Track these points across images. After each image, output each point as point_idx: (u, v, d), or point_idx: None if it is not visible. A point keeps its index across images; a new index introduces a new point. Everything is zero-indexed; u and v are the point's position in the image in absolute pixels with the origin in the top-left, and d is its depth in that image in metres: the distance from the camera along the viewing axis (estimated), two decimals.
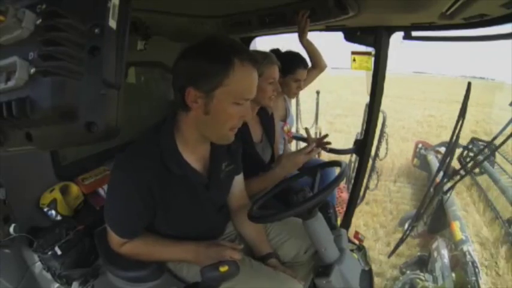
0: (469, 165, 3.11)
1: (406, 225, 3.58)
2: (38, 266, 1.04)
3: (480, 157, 3.16)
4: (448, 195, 2.93)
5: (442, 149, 4.94)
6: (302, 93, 1.98)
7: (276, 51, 1.59)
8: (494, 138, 2.83)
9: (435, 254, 2.81)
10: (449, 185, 2.35)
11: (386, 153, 3.17)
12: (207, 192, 0.91)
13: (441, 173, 2.39)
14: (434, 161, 4.88)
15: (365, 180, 2.60)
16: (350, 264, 0.93)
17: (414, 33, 1.22)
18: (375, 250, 3.35)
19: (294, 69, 1.60)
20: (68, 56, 0.35)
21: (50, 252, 1.00)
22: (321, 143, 1.44)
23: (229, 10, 1.41)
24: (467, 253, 2.61)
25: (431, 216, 3.56)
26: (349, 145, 1.59)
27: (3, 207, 0.88)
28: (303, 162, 1.17)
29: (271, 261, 0.99)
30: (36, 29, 0.36)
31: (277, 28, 1.48)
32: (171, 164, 0.80)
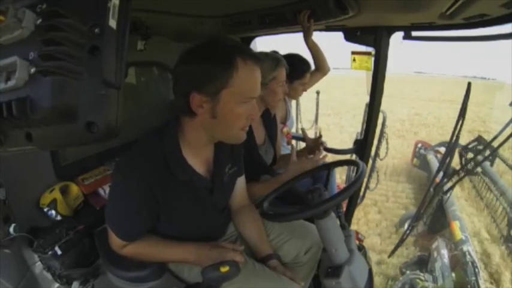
0: (469, 165, 3.10)
1: (406, 225, 3.58)
2: (38, 266, 1.04)
3: (480, 157, 3.16)
4: (448, 195, 2.93)
5: (442, 149, 4.94)
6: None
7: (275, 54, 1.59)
8: (494, 138, 2.82)
9: (435, 254, 2.81)
10: (449, 185, 2.35)
11: (386, 153, 3.17)
12: (211, 196, 0.91)
13: (441, 173, 2.39)
14: (434, 161, 4.88)
15: (365, 180, 2.60)
16: (359, 265, 0.91)
17: (414, 33, 1.22)
18: None
19: (301, 74, 1.61)
20: (68, 56, 0.35)
21: (50, 252, 1.00)
22: (318, 144, 1.45)
23: (229, 10, 1.41)
24: (467, 253, 2.61)
25: (431, 216, 3.57)
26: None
27: (3, 207, 0.88)
28: (309, 167, 1.16)
29: (272, 262, 0.99)
30: (36, 29, 0.36)
31: (277, 28, 1.48)
32: (175, 169, 0.80)
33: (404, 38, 1.25)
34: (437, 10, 0.88)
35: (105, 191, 1.34)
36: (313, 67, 1.72)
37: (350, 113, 11.36)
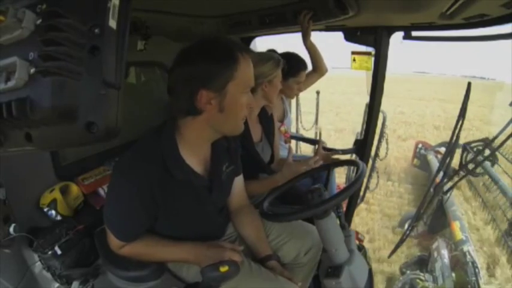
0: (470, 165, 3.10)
1: (406, 225, 3.58)
2: (38, 266, 1.04)
3: (480, 157, 3.16)
4: (448, 195, 2.93)
5: (442, 149, 4.94)
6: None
7: (273, 52, 1.59)
8: (494, 138, 2.83)
9: (435, 254, 2.81)
10: (449, 185, 2.35)
11: (386, 153, 3.17)
12: (209, 195, 0.91)
13: (441, 173, 2.39)
14: (434, 161, 4.88)
15: (365, 180, 2.60)
16: (359, 265, 0.92)
17: (414, 33, 1.22)
18: None
19: (297, 72, 1.61)
20: (68, 56, 0.35)
21: (50, 252, 1.00)
22: (329, 158, 1.41)
23: (229, 10, 1.41)
24: (467, 253, 2.61)
25: (431, 216, 3.57)
26: None
27: (3, 207, 0.88)
28: (303, 171, 1.16)
29: (271, 263, 0.99)
30: (36, 29, 0.36)
31: (277, 28, 1.48)
32: (173, 169, 0.80)
33: (404, 38, 1.25)
34: (437, 10, 0.88)
35: (105, 191, 1.34)
36: (310, 68, 1.73)
37: (333, 111, 11.71)
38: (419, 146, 5.56)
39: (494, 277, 3.03)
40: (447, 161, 2.22)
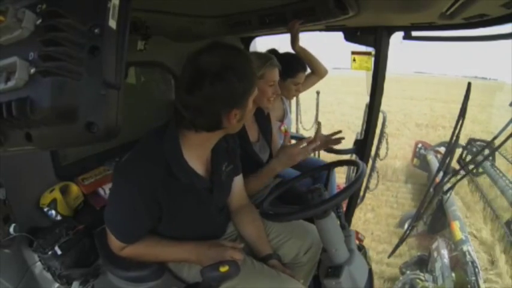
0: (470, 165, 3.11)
1: (406, 225, 3.58)
2: (38, 266, 1.04)
3: (480, 157, 3.16)
4: (448, 195, 2.93)
5: (442, 149, 4.94)
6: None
7: (273, 52, 1.59)
8: (494, 138, 2.83)
9: (435, 254, 2.81)
10: (449, 185, 2.35)
11: (386, 152, 3.17)
12: (211, 195, 0.91)
13: (441, 173, 2.39)
14: (434, 161, 4.88)
15: (365, 180, 2.60)
16: (359, 265, 0.92)
17: (414, 33, 1.22)
18: None
19: (294, 73, 1.60)
20: (68, 56, 0.35)
21: (50, 252, 1.00)
22: (331, 140, 1.43)
23: (229, 10, 1.41)
24: (467, 253, 2.61)
25: (431, 216, 3.57)
26: None
27: (3, 207, 0.88)
28: (300, 157, 1.13)
29: (271, 261, 0.99)
30: (36, 29, 0.36)
31: (277, 28, 1.47)
32: (178, 172, 0.81)
33: (404, 38, 1.25)
34: (437, 10, 0.88)
35: (105, 191, 1.34)
36: (309, 70, 1.73)
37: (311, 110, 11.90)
38: (419, 145, 5.56)
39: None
40: (447, 161, 2.22)
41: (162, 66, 1.82)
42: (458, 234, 2.93)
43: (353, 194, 1.66)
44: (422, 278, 2.59)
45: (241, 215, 1.06)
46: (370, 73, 1.44)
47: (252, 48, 2.04)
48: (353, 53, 1.49)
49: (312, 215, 0.86)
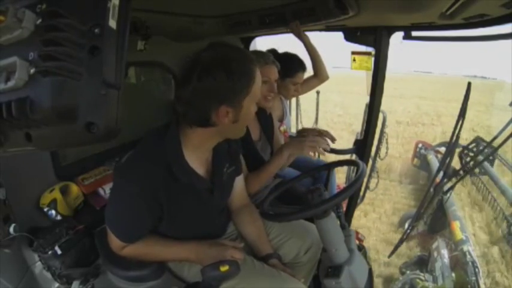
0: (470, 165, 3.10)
1: (406, 225, 3.58)
2: (38, 266, 1.04)
3: (480, 157, 3.16)
4: (448, 195, 2.93)
5: (443, 149, 4.94)
6: None
7: (273, 52, 1.59)
8: (494, 138, 2.82)
9: (435, 254, 2.81)
10: (449, 185, 2.35)
11: (386, 153, 3.17)
12: (211, 196, 0.91)
13: (441, 173, 2.39)
14: (434, 161, 4.88)
15: (365, 180, 2.60)
16: (359, 265, 0.92)
17: (414, 33, 1.22)
18: None
19: (293, 72, 1.60)
20: (68, 56, 0.35)
21: (50, 252, 1.00)
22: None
23: (229, 10, 1.41)
24: (467, 253, 2.60)
25: (431, 216, 3.56)
26: None
27: (3, 207, 0.88)
28: (310, 145, 1.08)
29: (272, 261, 0.99)
30: (36, 29, 0.36)
31: (277, 28, 1.48)
32: (178, 173, 0.81)
33: (404, 38, 1.25)
34: (437, 10, 0.88)
35: (105, 191, 1.34)
36: (311, 73, 1.72)
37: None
38: (420, 145, 5.55)
39: None
40: (447, 161, 2.22)
41: (162, 66, 1.82)
42: (459, 234, 2.93)
43: (353, 194, 1.66)
44: (422, 278, 2.58)
45: (241, 215, 1.07)
46: (370, 73, 1.44)
47: (252, 48, 2.04)
48: (353, 53, 1.49)
49: (312, 215, 0.86)
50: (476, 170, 4.09)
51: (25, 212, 1.05)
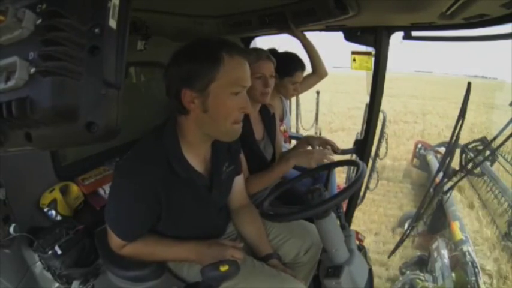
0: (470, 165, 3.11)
1: (406, 225, 3.58)
2: (38, 266, 1.04)
3: (480, 157, 3.16)
4: (448, 195, 2.93)
5: (442, 149, 4.94)
6: None
7: (272, 51, 1.59)
8: (494, 138, 2.82)
9: (435, 254, 2.81)
10: (449, 185, 2.35)
11: (386, 152, 3.17)
12: (210, 194, 0.91)
13: (441, 173, 2.39)
14: (434, 161, 4.88)
15: (365, 180, 2.60)
16: (359, 266, 0.92)
17: (414, 33, 1.22)
18: None
19: (292, 71, 1.60)
20: (68, 56, 0.35)
21: (50, 252, 1.00)
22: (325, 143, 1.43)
23: (229, 10, 1.41)
24: (467, 253, 2.61)
25: (431, 216, 3.56)
26: None
27: (3, 207, 0.88)
28: (314, 162, 1.13)
29: (272, 261, 0.99)
30: (36, 29, 0.36)
31: (277, 28, 1.47)
32: (177, 167, 0.81)
33: (404, 38, 1.25)
34: (437, 10, 0.88)
35: (105, 191, 1.34)
36: (310, 71, 1.72)
37: None
38: (419, 146, 5.55)
39: None
40: (447, 161, 2.22)
41: (162, 66, 1.82)
42: (459, 234, 2.93)
43: (353, 194, 1.66)
44: (422, 278, 2.58)
45: (241, 215, 1.07)
46: (370, 73, 1.44)
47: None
48: (353, 53, 1.49)
49: (312, 215, 0.86)
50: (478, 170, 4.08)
51: (25, 212, 1.05)
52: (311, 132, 3.96)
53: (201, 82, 0.75)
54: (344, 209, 1.71)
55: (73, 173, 1.32)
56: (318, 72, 1.73)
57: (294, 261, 1.07)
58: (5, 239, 0.88)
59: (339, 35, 1.44)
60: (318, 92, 3.71)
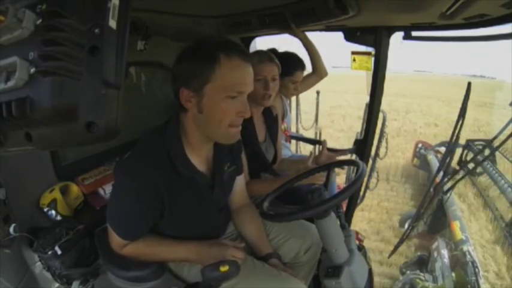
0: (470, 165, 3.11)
1: (406, 225, 3.58)
2: (38, 266, 1.04)
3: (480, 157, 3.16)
4: (448, 195, 2.93)
5: (443, 149, 4.94)
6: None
7: (273, 51, 1.59)
8: (494, 138, 2.83)
9: (435, 254, 2.81)
10: (449, 185, 2.35)
11: (386, 152, 3.17)
12: (211, 193, 0.91)
13: (441, 173, 2.39)
14: (434, 161, 4.88)
15: (365, 180, 2.60)
16: (359, 265, 0.91)
17: (414, 33, 1.22)
18: None
19: (292, 71, 1.60)
20: (68, 56, 0.35)
21: (50, 252, 1.00)
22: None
23: (229, 10, 1.41)
24: (467, 253, 2.61)
25: (431, 216, 3.57)
26: None
27: (3, 207, 0.88)
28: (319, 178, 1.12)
29: (272, 261, 0.99)
30: (36, 29, 0.36)
31: (277, 28, 1.48)
32: (179, 165, 0.81)
33: (404, 38, 1.25)
34: (437, 10, 0.88)
35: (105, 191, 1.34)
36: (310, 70, 1.72)
37: None
38: (419, 145, 5.56)
39: None
40: (447, 160, 2.22)
41: (162, 66, 1.82)
42: (459, 234, 2.93)
43: (353, 194, 1.66)
44: (422, 278, 2.59)
45: (241, 215, 1.07)
46: (370, 73, 1.44)
47: (252, 49, 2.04)
48: (353, 53, 1.49)
49: (312, 215, 0.86)
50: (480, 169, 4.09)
51: (25, 212, 1.05)
52: (311, 132, 3.96)
53: (196, 82, 0.76)
54: (344, 208, 1.71)
55: (73, 173, 1.32)
56: (318, 72, 1.73)
57: (294, 261, 1.07)
58: (5, 239, 0.88)
59: (337, 34, 1.45)
60: (318, 92, 3.71)
